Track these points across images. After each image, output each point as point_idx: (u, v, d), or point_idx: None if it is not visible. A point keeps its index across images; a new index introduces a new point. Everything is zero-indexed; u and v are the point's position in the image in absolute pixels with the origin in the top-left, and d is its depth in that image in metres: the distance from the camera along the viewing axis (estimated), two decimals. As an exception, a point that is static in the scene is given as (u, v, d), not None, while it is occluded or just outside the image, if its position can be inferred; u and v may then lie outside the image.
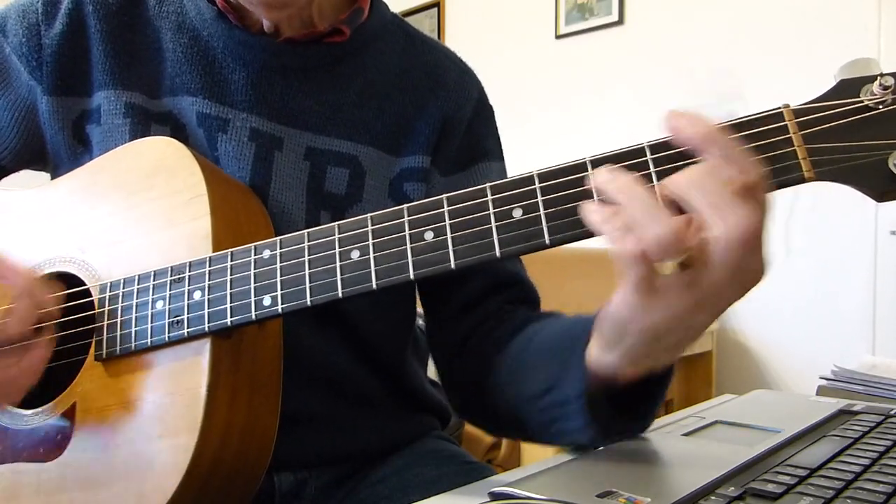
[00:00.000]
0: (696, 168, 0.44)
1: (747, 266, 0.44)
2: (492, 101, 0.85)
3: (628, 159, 0.47)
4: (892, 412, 0.65)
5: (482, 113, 0.82)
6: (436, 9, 3.75)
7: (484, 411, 0.70)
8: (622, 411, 0.56)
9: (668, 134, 0.46)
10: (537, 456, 2.08)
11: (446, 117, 0.78)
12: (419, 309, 0.82)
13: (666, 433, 0.61)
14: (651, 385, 0.55)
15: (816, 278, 2.49)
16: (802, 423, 0.61)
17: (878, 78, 0.44)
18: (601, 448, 0.58)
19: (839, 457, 0.51)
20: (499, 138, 0.85)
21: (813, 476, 0.47)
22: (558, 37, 3.24)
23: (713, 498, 0.43)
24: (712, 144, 0.44)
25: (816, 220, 2.47)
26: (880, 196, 0.45)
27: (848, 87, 0.45)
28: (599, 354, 0.53)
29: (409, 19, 0.85)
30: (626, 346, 0.50)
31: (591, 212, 0.46)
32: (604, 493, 0.44)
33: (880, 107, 0.44)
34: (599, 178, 0.46)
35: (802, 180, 0.45)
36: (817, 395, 0.87)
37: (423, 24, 3.71)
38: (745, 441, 0.57)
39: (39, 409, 0.62)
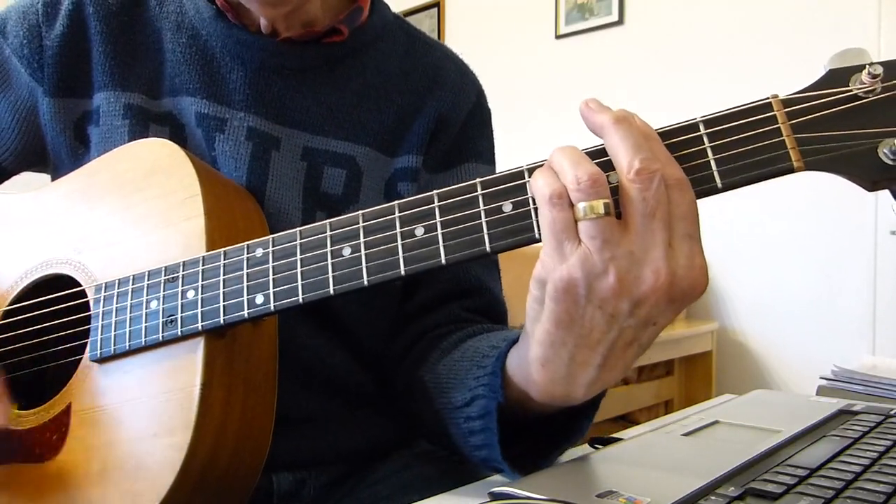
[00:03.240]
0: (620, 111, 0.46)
1: (662, 239, 0.43)
2: (491, 101, 0.85)
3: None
4: (892, 412, 0.64)
5: (478, 115, 0.82)
6: (436, 9, 3.75)
7: (420, 423, 0.69)
8: (534, 440, 0.55)
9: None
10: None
11: (441, 116, 0.77)
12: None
13: (666, 433, 0.60)
14: (560, 422, 0.54)
15: (816, 278, 2.49)
16: (802, 423, 0.61)
17: (867, 67, 0.43)
18: (601, 448, 0.58)
19: (839, 457, 0.51)
20: (492, 143, 0.84)
21: (813, 476, 0.46)
22: (558, 37, 3.24)
23: (713, 498, 0.43)
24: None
25: (816, 221, 2.47)
26: (871, 185, 0.44)
27: (837, 77, 0.45)
28: (520, 351, 0.52)
29: (409, 19, 0.84)
30: (542, 326, 0.47)
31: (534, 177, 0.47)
32: (604, 493, 0.44)
33: (869, 96, 0.43)
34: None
35: (792, 170, 0.44)
36: (817, 395, 0.86)
37: (423, 24, 3.71)
38: (745, 441, 0.57)
39: (35, 410, 0.62)
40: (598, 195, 0.43)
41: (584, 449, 0.60)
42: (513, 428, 0.55)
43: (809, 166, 0.44)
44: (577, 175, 0.44)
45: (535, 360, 0.49)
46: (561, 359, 0.47)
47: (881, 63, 0.43)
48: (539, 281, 0.46)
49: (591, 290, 0.44)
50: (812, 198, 2.41)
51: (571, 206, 0.44)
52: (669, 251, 0.43)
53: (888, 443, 0.54)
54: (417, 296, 0.75)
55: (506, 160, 0.85)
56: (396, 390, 0.74)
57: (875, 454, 0.51)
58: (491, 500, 0.46)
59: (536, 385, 0.50)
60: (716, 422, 0.64)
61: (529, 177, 0.48)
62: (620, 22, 3.04)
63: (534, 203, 0.48)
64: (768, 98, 0.45)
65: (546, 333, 0.47)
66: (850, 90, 0.44)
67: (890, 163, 0.43)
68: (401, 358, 0.73)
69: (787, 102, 0.45)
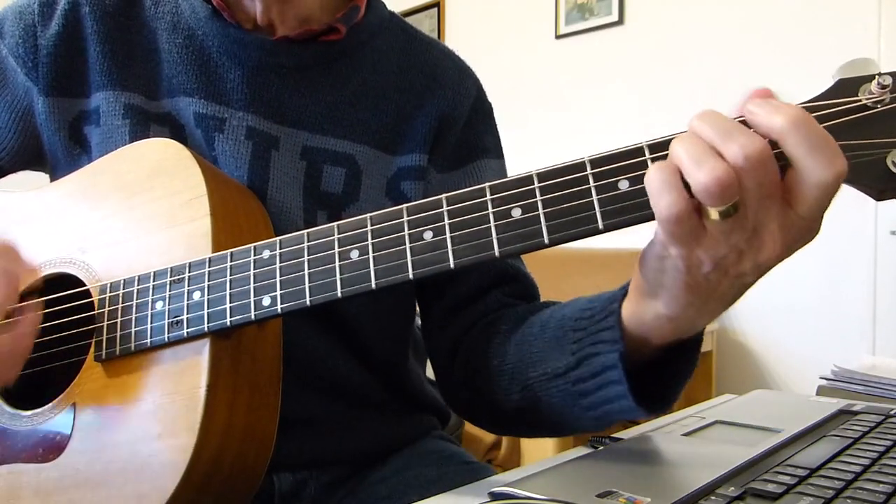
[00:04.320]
0: (796, 109, 0.43)
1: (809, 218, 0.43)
2: (492, 101, 0.85)
3: (627, 158, 0.47)
4: (892, 412, 0.65)
5: (480, 110, 0.82)
6: (436, 9, 3.75)
7: (489, 406, 0.69)
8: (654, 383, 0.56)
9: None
10: (537, 456, 2.08)
11: (443, 115, 0.77)
12: (418, 308, 0.82)
13: (666, 433, 0.61)
14: (678, 355, 0.55)
15: (816, 278, 2.49)
16: (802, 423, 0.61)
17: (876, 77, 0.44)
18: (601, 448, 0.58)
19: (839, 457, 0.51)
20: (498, 136, 0.85)
21: (813, 476, 0.47)
22: (558, 37, 3.24)
23: (713, 498, 0.43)
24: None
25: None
26: (878, 195, 0.45)
27: (846, 87, 0.45)
28: (636, 307, 0.53)
29: (409, 19, 0.85)
30: (666, 287, 0.49)
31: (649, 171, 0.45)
32: (604, 493, 0.44)
33: (878, 106, 0.44)
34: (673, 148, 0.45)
35: None
36: (817, 395, 0.87)
37: (423, 24, 3.71)
38: (745, 441, 0.57)
39: (38, 410, 0.62)
40: (730, 198, 0.42)
41: (584, 449, 0.60)
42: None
43: None
44: (706, 182, 0.42)
45: (660, 317, 0.51)
46: (688, 313, 0.50)
47: (890, 73, 0.43)
48: (660, 257, 0.47)
49: (718, 266, 0.46)
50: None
51: (696, 202, 0.43)
52: (784, 215, 0.44)
53: (888, 443, 0.55)
54: (460, 288, 0.74)
55: (506, 160, 0.85)
56: (452, 381, 0.74)
57: (875, 454, 0.52)
58: (491, 500, 0.46)
59: (662, 333, 0.52)
60: (716, 422, 0.64)
61: (538, 182, 0.48)
62: (620, 22, 3.03)
63: (543, 207, 0.48)
64: None
65: (673, 298, 0.49)
66: (860, 100, 0.44)
67: None
68: (452, 350, 0.73)
69: None
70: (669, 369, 0.56)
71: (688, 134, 0.44)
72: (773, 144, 0.43)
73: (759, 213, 0.43)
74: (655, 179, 0.44)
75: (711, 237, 0.44)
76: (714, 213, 0.43)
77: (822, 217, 0.44)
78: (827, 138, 0.42)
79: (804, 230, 0.44)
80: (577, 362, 0.57)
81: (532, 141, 3.05)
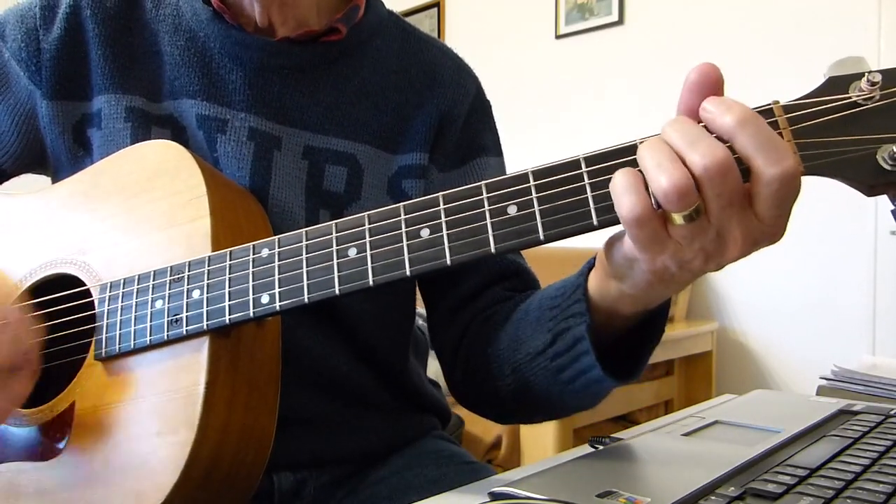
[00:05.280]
0: (743, 109, 0.44)
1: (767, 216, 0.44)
2: (492, 101, 0.86)
3: (621, 156, 0.47)
4: (892, 412, 0.65)
5: (479, 109, 0.82)
6: (436, 9, 3.75)
7: (489, 395, 0.69)
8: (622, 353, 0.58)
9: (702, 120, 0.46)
10: (537, 456, 2.08)
11: (443, 114, 0.78)
12: (419, 309, 0.82)
13: (666, 433, 0.61)
14: (646, 325, 0.57)
15: (816, 278, 2.49)
16: (802, 423, 0.61)
17: (866, 75, 0.44)
18: (601, 448, 0.58)
19: (839, 457, 0.51)
20: (497, 134, 0.85)
21: (813, 476, 0.47)
22: (558, 37, 3.24)
23: (713, 498, 0.43)
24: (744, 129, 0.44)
25: (816, 221, 2.47)
26: (869, 190, 0.45)
27: (837, 84, 0.46)
28: (601, 283, 0.54)
29: (409, 19, 0.85)
30: (633, 279, 0.51)
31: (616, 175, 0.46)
32: (604, 493, 0.44)
33: (868, 103, 0.44)
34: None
35: None
36: (817, 395, 0.86)
37: (423, 24, 3.71)
38: (745, 441, 0.57)
39: (39, 409, 0.62)
40: (689, 204, 0.44)
41: (584, 449, 0.60)
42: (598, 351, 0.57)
43: (810, 171, 0.45)
44: (665, 188, 0.43)
45: (623, 294, 0.53)
46: (650, 294, 0.53)
47: (880, 71, 0.44)
48: (629, 258, 0.49)
49: (683, 267, 0.47)
50: (812, 198, 2.41)
51: (657, 206, 0.45)
52: (747, 219, 0.45)
53: (888, 443, 0.55)
54: (461, 287, 0.75)
55: (506, 159, 0.85)
56: (456, 377, 0.75)
57: (875, 454, 0.52)
58: (491, 500, 0.46)
59: (625, 304, 0.54)
60: (716, 422, 0.64)
61: (534, 180, 0.49)
62: (620, 22, 3.03)
63: (539, 205, 0.49)
64: (770, 104, 0.46)
65: (636, 285, 0.51)
66: (850, 97, 0.45)
67: (888, 168, 0.44)
68: (454, 347, 0.74)
69: (788, 108, 0.46)
70: (638, 340, 0.58)
71: (656, 139, 0.46)
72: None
73: (722, 219, 0.45)
74: (619, 182, 0.46)
75: (676, 244, 0.46)
76: (678, 218, 0.44)
77: (784, 220, 0.45)
78: (774, 137, 0.44)
79: (766, 233, 0.45)
80: (552, 339, 0.58)
81: (532, 141, 3.05)
